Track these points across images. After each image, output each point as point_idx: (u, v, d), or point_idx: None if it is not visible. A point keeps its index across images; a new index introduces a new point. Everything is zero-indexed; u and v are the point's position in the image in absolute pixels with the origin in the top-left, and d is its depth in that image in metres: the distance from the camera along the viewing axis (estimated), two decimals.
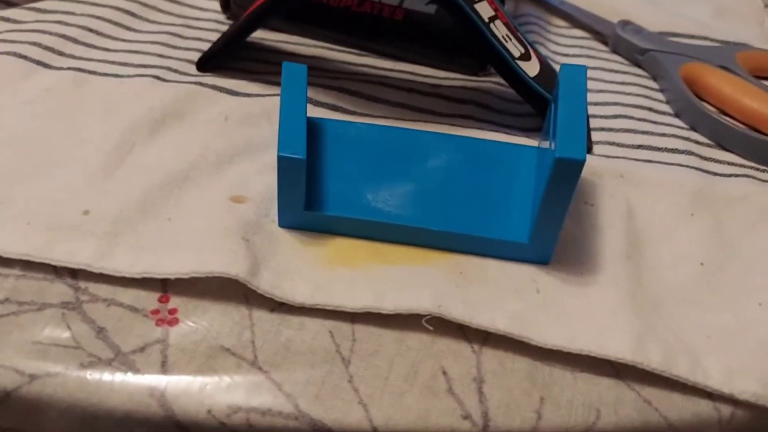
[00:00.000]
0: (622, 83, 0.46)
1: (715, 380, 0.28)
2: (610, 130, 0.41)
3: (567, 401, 0.28)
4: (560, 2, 0.53)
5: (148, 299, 0.30)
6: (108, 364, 0.28)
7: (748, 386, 0.28)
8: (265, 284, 0.30)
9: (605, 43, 0.50)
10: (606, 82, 0.46)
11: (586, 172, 0.37)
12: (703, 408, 0.28)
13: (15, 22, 0.46)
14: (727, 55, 0.46)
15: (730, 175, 0.39)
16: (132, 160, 0.36)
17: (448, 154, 0.36)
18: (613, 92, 0.45)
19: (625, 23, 0.49)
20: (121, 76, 0.42)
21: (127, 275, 0.30)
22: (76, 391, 0.27)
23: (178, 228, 0.32)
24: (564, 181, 0.29)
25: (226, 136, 0.38)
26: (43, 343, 0.28)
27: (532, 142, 0.39)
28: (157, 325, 0.29)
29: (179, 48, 0.45)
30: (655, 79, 0.47)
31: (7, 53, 0.42)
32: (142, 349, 0.28)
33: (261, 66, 0.44)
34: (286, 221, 0.33)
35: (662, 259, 0.34)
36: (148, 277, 0.30)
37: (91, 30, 0.46)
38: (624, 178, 0.37)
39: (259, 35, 0.47)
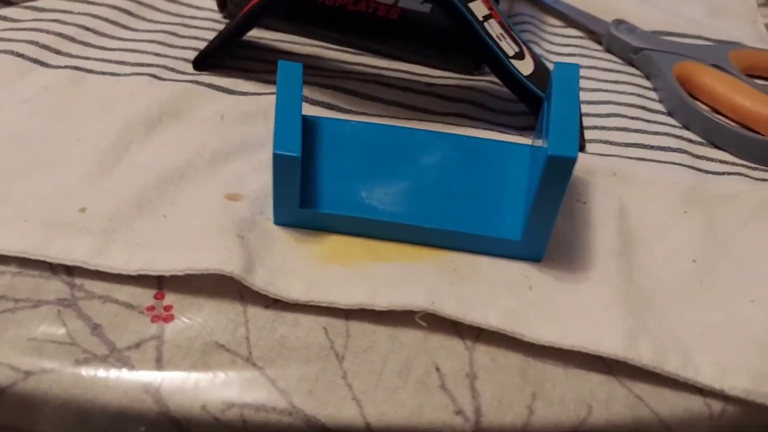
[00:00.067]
0: (616, 82, 0.46)
1: (706, 376, 0.29)
2: (604, 128, 0.42)
3: (559, 397, 0.28)
4: (554, 1, 0.53)
5: (144, 296, 0.30)
6: (103, 360, 0.28)
7: (738, 382, 0.28)
8: (259, 281, 0.30)
9: (599, 42, 0.51)
10: (600, 81, 0.46)
11: (578, 170, 0.38)
12: (694, 404, 0.29)
13: (12, 20, 0.46)
14: (720, 54, 0.46)
15: (723, 173, 0.39)
16: (128, 158, 0.36)
17: (443, 152, 0.36)
18: (606, 91, 0.45)
19: (619, 22, 0.50)
20: (117, 74, 0.42)
21: (123, 272, 0.30)
22: (71, 388, 0.27)
23: (174, 225, 0.33)
24: (556, 178, 0.29)
25: (222, 134, 0.38)
26: (38, 339, 0.28)
27: (526, 141, 0.39)
28: (152, 321, 0.29)
29: (176, 47, 0.45)
30: (648, 77, 0.47)
31: (5, 52, 0.42)
32: (137, 346, 0.29)
33: (257, 65, 0.44)
34: (281, 219, 0.33)
35: (655, 256, 0.34)
36: (144, 274, 0.30)
37: (88, 29, 0.46)
38: (617, 176, 0.38)
39: (256, 34, 0.47)
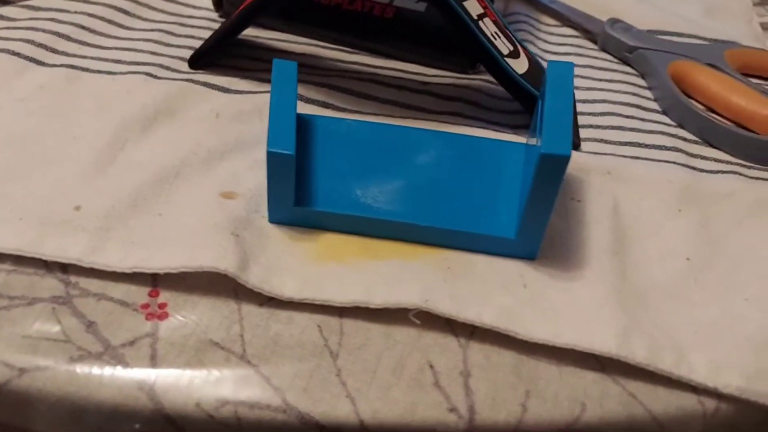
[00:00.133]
0: (611, 81, 0.46)
1: (699, 374, 0.29)
2: (598, 127, 0.42)
3: (552, 395, 0.28)
4: (550, 0, 0.53)
5: (139, 294, 0.30)
6: (98, 357, 0.28)
7: (732, 380, 0.29)
8: (254, 279, 0.30)
9: (594, 41, 0.51)
10: (595, 80, 0.46)
11: (573, 168, 0.38)
12: (688, 402, 0.29)
13: (9, 19, 0.46)
14: (715, 53, 0.46)
15: (717, 172, 0.39)
16: (124, 156, 0.36)
17: (437, 150, 0.36)
18: (601, 90, 0.45)
19: (614, 21, 0.50)
20: (113, 73, 0.42)
21: (118, 270, 0.30)
22: (65, 385, 0.27)
23: (169, 223, 0.33)
24: (550, 176, 0.30)
25: (217, 132, 0.38)
26: (33, 337, 0.28)
27: (521, 139, 0.39)
28: (146, 319, 0.30)
29: (172, 45, 0.45)
30: (643, 76, 0.47)
31: (1, 50, 0.42)
32: (131, 343, 0.29)
33: (252, 63, 0.45)
34: (276, 217, 0.33)
35: (649, 254, 0.34)
36: (139, 272, 0.30)
37: (84, 27, 0.46)
38: (611, 175, 0.38)
39: (251, 33, 0.47)
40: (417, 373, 0.29)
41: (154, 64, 0.43)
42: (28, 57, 0.42)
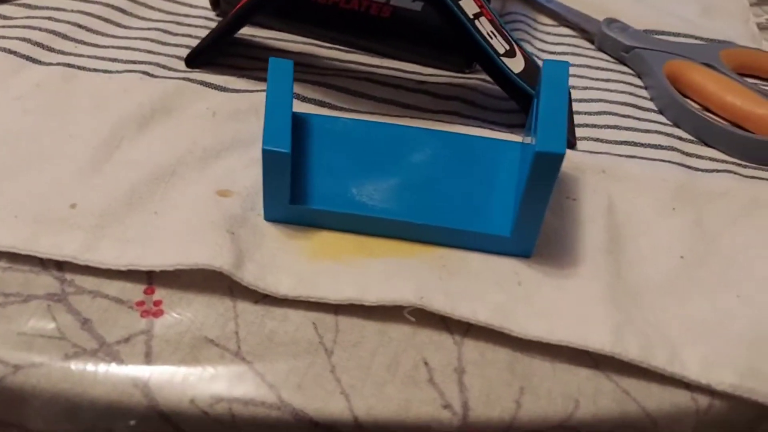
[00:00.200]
0: (607, 80, 0.46)
1: (692, 371, 0.29)
2: (594, 126, 0.42)
3: (546, 391, 0.28)
4: (547, 0, 0.53)
5: (134, 291, 0.30)
6: (92, 354, 0.28)
7: (725, 377, 0.29)
8: (249, 276, 0.30)
9: (591, 41, 0.51)
10: (591, 79, 0.46)
11: (568, 167, 0.38)
12: (681, 398, 0.29)
13: (5, 18, 0.46)
14: (711, 53, 0.46)
15: (712, 171, 0.39)
16: (120, 154, 0.36)
17: (433, 149, 0.36)
18: (598, 89, 0.45)
19: (611, 21, 0.50)
20: (110, 71, 0.42)
21: (113, 267, 0.30)
22: (60, 382, 0.27)
23: (165, 221, 0.33)
24: (544, 174, 0.30)
25: (213, 131, 0.38)
26: (28, 334, 0.28)
27: (517, 138, 0.39)
28: (142, 316, 0.30)
29: (169, 44, 0.46)
30: (639, 76, 0.47)
31: None
32: (126, 340, 0.29)
33: (249, 62, 0.45)
34: (272, 215, 0.33)
35: (643, 252, 0.34)
36: (134, 270, 0.31)
37: (80, 26, 0.46)
38: (606, 174, 0.38)
39: (248, 32, 0.47)
40: (411, 370, 0.29)
41: (150, 63, 0.43)
42: (24, 55, 0.42)
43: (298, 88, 0.42)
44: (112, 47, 0.45)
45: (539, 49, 0.49)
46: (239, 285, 0.31)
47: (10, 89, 0.40)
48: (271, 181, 0.32)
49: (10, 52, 0.42)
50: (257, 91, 0.42)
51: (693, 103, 0.44)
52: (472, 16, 0.38)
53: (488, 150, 0.36)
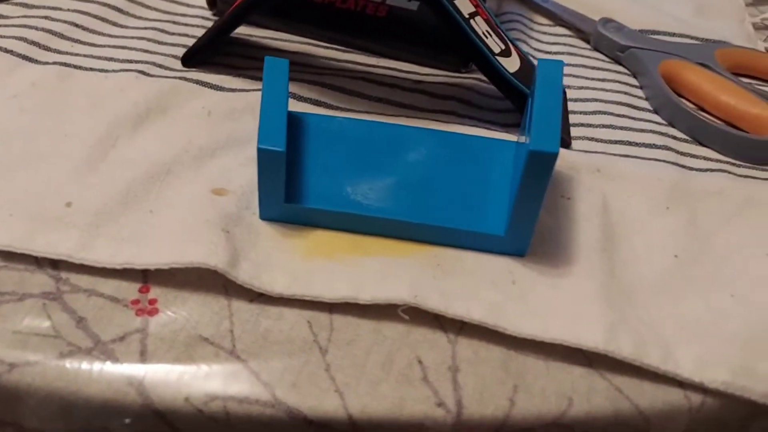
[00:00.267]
0: (603, 80, 0.46)
1: (685, 369, 0.29)
2: (590, 125, 0.42)
3: (540, 389, 0.28)
4: (543, 0, 0.54)
5: (129, 289, 0.31)
6: (87, 353, 0.28)
7: (718, 375, 0.29)
8: (244, 275, 0.30)
9: (587, 40, 0.51)
10: (587, 78, 0.47)
11: (563, 166, 0.38)
12: (674, 396, 0.29)
13: (2, 17, 0.46)
14: (706, 53, 0.47)
15: (707, 170, 0.39)
16: (115, 153, 0.36)
17: (428, 148, 0.36)
18: (593, 89, 0.45)
19: (607, 21, 0.50)
20: (106, 70, 0.42)
21: (108, 266, 0.31)
22: (55, 380, 0.27)
23: (160, 220, 0.33)
24: (538, 173, 0.30)
25: (209, 130, 0.38)
26: (23, 332, 0.29)
27: (512, 137, 0.39)
28: (137, 315, 0.30)
29: (165, 43, 0.46)
30: (635, 75, 0.47)
31: None
32: (121, 339, 0.29)
33: (245, 62, 0.45)
34: (267, 213, 0.33)
35: (637, 251, 0.34)
36: (129, 268, 0.31)
37: (77, 25, 0.46)
38: (601, 173, 0.38)
39: (244, 31, 0.48)
40: (406, 368, 0.29)
41: (147, 62, 0.43)
42: (20, 54, 0.42)
43: (294, 88, 0.42)
44: (109, 46, 0.45)
45: (535, 49, 0.49)
46: (234, 283, 0.31)
47: (6, 88, 0.40)
48: (266, 179, 0.32)
49: (7, 51, 0.42)
50: (253, 90, 0.42)
51: (688, 103, 0.44)
52: (467, 16, 0.38)
53: (483, 149, 0.36)
